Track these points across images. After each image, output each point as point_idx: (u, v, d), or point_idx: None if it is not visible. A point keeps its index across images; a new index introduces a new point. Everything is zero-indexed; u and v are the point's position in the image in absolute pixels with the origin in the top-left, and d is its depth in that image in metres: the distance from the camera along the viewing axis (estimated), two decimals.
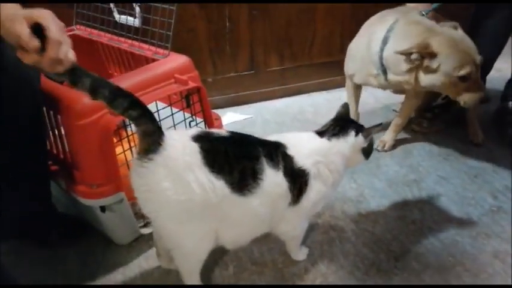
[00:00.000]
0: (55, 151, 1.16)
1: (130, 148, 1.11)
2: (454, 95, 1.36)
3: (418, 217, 1.32)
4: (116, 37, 1.39)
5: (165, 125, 1.17)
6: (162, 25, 1.24)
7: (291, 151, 0.97)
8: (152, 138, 0.84)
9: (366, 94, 2.09)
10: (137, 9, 1.37)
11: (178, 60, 1.23)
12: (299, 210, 1.00)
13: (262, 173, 0.90)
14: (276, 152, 0.95)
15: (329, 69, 2.09)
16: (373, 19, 1.52)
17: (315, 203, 1.03)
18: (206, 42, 1.84)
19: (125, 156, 1.10)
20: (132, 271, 1.16)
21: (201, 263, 1.00)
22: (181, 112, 1.23)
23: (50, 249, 1.19)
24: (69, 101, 1.03)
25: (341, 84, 2.14)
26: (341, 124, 1.07)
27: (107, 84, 0.84)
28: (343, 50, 2.05)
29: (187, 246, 0.95)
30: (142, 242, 1.25)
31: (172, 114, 1.20)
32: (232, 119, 1.88)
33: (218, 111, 1.47)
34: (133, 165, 0.87)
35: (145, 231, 1.19)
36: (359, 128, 1.07)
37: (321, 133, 1.05)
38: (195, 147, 0.86)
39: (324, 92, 2.12)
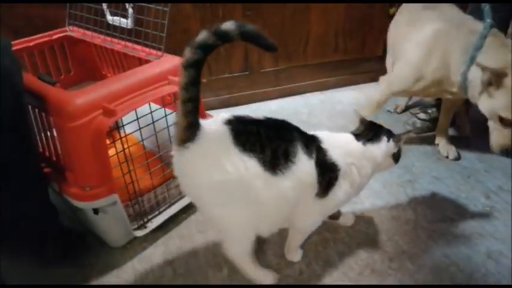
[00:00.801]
0: (47, 153, 1.15)
1: (124, 150, 1.10)
2: (491, 128, 1.31)
3: (412, 217, 1.32)
4: (109, 38, 1.38)
5: (158, 126, 1.17)
6: (156, 26, 1.23)
7: (325, 145, 1.00)
8: (192, 130, 0.88)
9: (361, 95, 2.10)
10: (130, 10, 1.36)
11: (171, 62, 1.22)
12: (323, 204, 1.03)
13: (295, 156, 0.93)
14: (311, 142, 0.98)
15: (323, 70, 2.10)
16: (435, 36, 1.39)
17: (339, 201, 1.05)
18: None
19: (118, 158, 1.09)
20: (126, 273, 1.16)
21: (249, 247, 1.02)
22: (175, 113, 1.22)
23: (48, 265, 1.15)
24: (61, 102, 1.02)
25: (335, 85, 2.16)
26: (374, 130, 1.10)
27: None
28: (337, 51, 2.07)
29: (233, 230, 0.98)
30: (136, 244, 1.24)
31: (166, 115, 1.19)
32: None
33: (212, 113, 1.46)
34: (174, 156, 0.91)
35: (139, 233, 1.19)
36: (390, 134, 1.10)
37: (357, 136, 1.08)
38: (225, 129, 0.90)
39: (318, 93, 2.12)
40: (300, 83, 2.08)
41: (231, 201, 0.92)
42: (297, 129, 0.99)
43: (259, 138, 0.90)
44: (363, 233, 1.26)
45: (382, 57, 2.09)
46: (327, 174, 0.99)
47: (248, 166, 0.89)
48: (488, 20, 1.30)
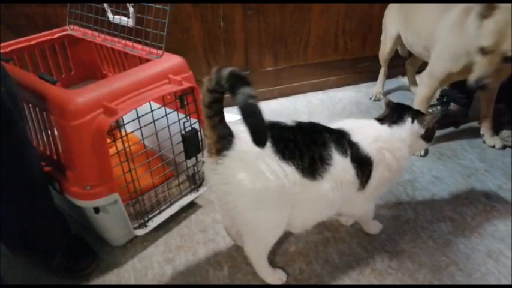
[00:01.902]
0: (48, 152, 1.15)
1: (124, 149, 1.10)
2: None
3: (412, 217, 1.32)
4: (109, 37, 1.38)
5: (158, 125, 1.17)
6: (156, 25, 1.23)
7: (355, 138, 1.01)
8: (226, 140, 0.89)
9: (361, 94, 2.10)
10: (131, 9, 1.36)
11: (172, 61, 1.22)
12: (365, 194, 1.05)
13: (331, 158, 0.95)
14: (342, 139, 0.99)
15: (323, 69, 2.09)
16: (462, 14, 1.44)
17: (379, 187, 1.07)
18: (201, 42, 1.84)
19: (119, 157, 1.09)
20: (127, 272, 1.16)
21: (270, 248, 1.05)
22: (176, 112, 1.23)
23: (55, 273, 1.14)
24: (62, 101, 1.02)
25: (335, 85, 2.16)
26: (399, 111, 1.11)
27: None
28: (337, 50, 2.07)
29: (262, 233, 1.00)
30: (137, 243, 1.24)
31: (166, 114, 1.19)
32: (226, 120, 1.87)
33: None
34: (207, 164, 0.93)
35: (140, 232, 1.19)
36: (415, 115, 1.10)
37: (380, 120, 1.09)
38: None
39: (319, 92, 2.12)
40: (300, 82, 2.08)
41: (268, 206, 0.94)
42: (326, 129, 1.01)
43: (296, 145, 0.92)
44: (363, 232, 1.26)
45: None
46: (364, 167, 1.01)
47: (287, 173, 0.91)
48: None
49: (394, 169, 1.06)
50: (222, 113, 0.89)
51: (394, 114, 1.10)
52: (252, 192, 0.90)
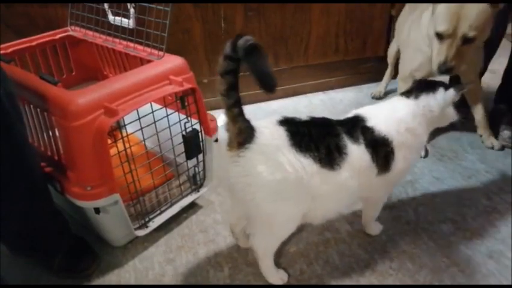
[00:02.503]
0: (49, 153, 1.15)
1: (125, 150, 1.10)
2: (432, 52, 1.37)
3: (412, 218, 1.32)
4: (110, 38, 1.38)
5: (159, 126, 1.18)
6: (157, 26, 1.23)
7: (370, 123, 1.03)
8: (246, 133, 0.92)
9: (362, 95, 2.11)
10: (131, 10, 1.37)
11: (173, 62, 1.22)
12: (388, 178, 1.06)
13: (346, 147, 0.97)
14: (354, 128, 1.01)
15: (324, 70, 2.10)
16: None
17: (404, 169, 1.08)
18: (202, 43, 1.84)
19: (120, 157, 1.10)
20: (127, 272, 1.16)
21: (279, 244, 1.07)
22: (177, 113, 1.23)
23: (56, 274, 1.14)
24: (63, 102, 1.03)
25: (336, 86, 2.16)
26: (429, 84, 1.12)
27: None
28: (338, 51, 2.07)
29: (276, 225, 1.01)
30: (138, 243, 1.24)
31: (167, 115, 1.19)
32: (221, 121, 1.87)
33: (213, 113, 1.47)
34: (228, 157, 0.95)
35: (140, 233, 1.19)
36: (448, 86, 1.10)
37: (406, 94, 1.10)
38: (281, 130, 0.94)
39: (319, 93, 2.12)
40: (301, 83, 2.08)
41: (286, 198, 0.96)
42: (338, 123, 1.03)
43: (311, 138, 0.95)
44: (364, 233, 1.26)
45: (383, 58, 2.10)
46: (381, 150, 1.02)
47: (305, 165, 0.93)
48: None
49: (415, 149, 1.09)
50: (240, 104, 0.91)
51: (424, 86, 1.11)
52: (271, 183, 0.92)
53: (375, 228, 1.25)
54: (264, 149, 0.92)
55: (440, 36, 1.31)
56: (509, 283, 1.11)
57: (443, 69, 1.32)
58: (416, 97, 1.08)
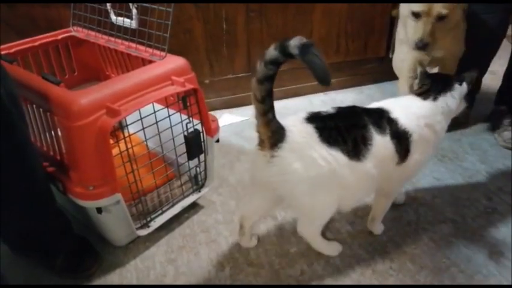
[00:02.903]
0: (52, 153, 1.15)
1: (127, 150, 1.11)
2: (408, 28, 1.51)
3: (413, 218, 1.32)
4: (113, 39, 1.39)
5: (161, 126, 1.18)
6: (159, 27, 1.24)
7: (394, 115, 1.07)
8: (278, 134, 0.96)
9: (363, 96, 2.11)
10: (134, 11, 1.37)
11: (175, 62, 1.23)
12: (404, 170, 1.10)
13: (372, 138, 1.02)
14: (381, 118, 1.05)
15: None
16: None
17: (420, 162, 1.12)
18: (203, 44, 1.84)
19: (122, 157, 1.10)
20: (129, 272, 1.17)
21: (323, 226, 1.13)
22: (178, 114, 1.23)
23: (58, 274, 1.14)
24: (66, 102, 1.03)
25: (337, 87, 2.16)
26: (442, 81, 1.16)
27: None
28: (339, 52, 2.07)
29: (317, 214, 1.08)
30: (139, 243, 1.25)
31: (169, 115, 1.20)
32: (229, 121, 1.89)
33: (215, 113, 1.48)
34: (259, 156, 0.99)
35: (142, 232, 1.19)
36: (459, 78, 1.16)
37: (423, 95, 1.13)
38: (310, 127, 0.99)
39: (320, 94, 2.12)
40: (302, 84, 2.08)
41: (322, 190, 1.01)
42: (365, 111, 1.07)
43: (339, 131, 1.00)
44: (365, 233, 1.27)
45: (385, 59, 2.10)
46: (403, 142, 1.06)
47: (336, 158, 0.98)
48: None
49: (432, 144, 1.13)
50: (273, 108, 0.95)
51: (438, 84, 1.14)
52: (307, 179, 0.97)
53: (378, 228, 1.27)
54: (296, 147, 0.96)
55: (416, 15, 1.44)
56: (510, 283, 1.11)
57: (420, 45, 1.45)
58: (435, 99, 1.12)
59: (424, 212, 1.35)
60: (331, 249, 1.19)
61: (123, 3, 1.37)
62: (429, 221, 1.31)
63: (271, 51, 0.90)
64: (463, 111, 1.22)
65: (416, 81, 1.18)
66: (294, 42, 0.88)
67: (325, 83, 0.88)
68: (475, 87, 1.69)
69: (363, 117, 1.04)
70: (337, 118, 1.03)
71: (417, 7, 1.42)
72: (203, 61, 1.87)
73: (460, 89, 1.15)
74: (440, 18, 1.43)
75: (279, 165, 0.97)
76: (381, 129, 1.03)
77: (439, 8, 1.40)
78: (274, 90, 2.10)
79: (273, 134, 0.96)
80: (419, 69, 1.18)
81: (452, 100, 1.14)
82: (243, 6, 1.81)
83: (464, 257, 1.18)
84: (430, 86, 1.14)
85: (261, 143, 0.99)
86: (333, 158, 0.98)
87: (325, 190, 1.02)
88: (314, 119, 1.02)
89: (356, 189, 1.06)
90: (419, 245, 1.22)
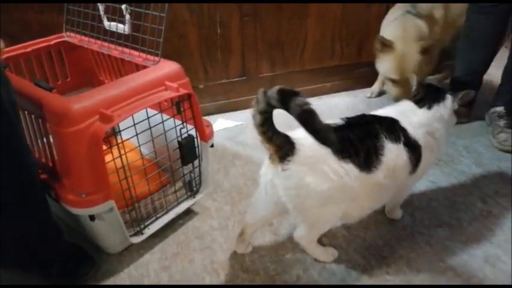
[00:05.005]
0: (44, 159, 1.14)
1: (120, 156, 1.10)
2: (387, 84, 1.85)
3: (409, 222, 1.32)
4: (106, 44, 1.38)
5: (155, 132, 1.17)
6: (153, 32, 1.23)
7: (403, 124, 1.08)
8: (286, 147, 0.95)
9: (357, 100, 2.11)
10: (127, 16, 1.37)
11: (168, 67, 1.22)
12: (414, 178, 1.13)
13: (383, 149, 1.01)
14: (394, 126, 1.06)
15: (320, 75, 2.10)
16: None
17: (425, 170, 1.16)
18: (197, 48, 1.84)
19: (115, 164, 1.09)
20: (123, 280, 1.15)
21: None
22: (172, 119, 1.23)
23: (54, 282, 1.12)
24: (58, 108, 1.02)
25: (332, 90, 2.16)
26: (436, 92, 1.17)
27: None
28: (334, 56, 2.08)
29: (321, 225, 1.08)
30: (133, 250, 1.23)
31: (163, 121, 1.19)
32: (223, 126, 1.88)
33: (209, 118, 1.47)
34: (270, 171, 0.99)
35: (136, 240, 1.18)
36: (450, 93, 1.18)
37: (419, 102, 1.15)
38: None
39: (315, 98, 2.12)
40: (296, 88, 2.06)
41: (332, 203, 1.01)
42: (376, 119, 1.07)
43: (351, 142, 0.99)
44: (361, 238, 1.26)
45: None
46: (414, 151, 1.07)
47: (347, 171, 0.97)
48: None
49: (436, 150, 1.15)
50: (273, 125, 0.95)
51: (432, 94, 1.16)
52: (319, 193, 0.97)
53: (398, 213, 1.32)
54: (307, 161, 0.95)
55: (391, 80, 1.75)
56: (510, 284, 1.11)
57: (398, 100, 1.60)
58: (430, 108, 1.13)
59: (419, 215, 1.35)
60: (327, 255, 1.18)
61: (116, 3, 1.35)
62: (425, 225, 1.31)
63: (261, 105, 0.91)
64: (463, 114, 1.24)
65: (413, 88, 1.20)
66: (272, 95, 0.88)
67: (331, 147, 0.90)
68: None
69: (375, 126, 1.03)
70: (348, 129, 1.02)
71: (392, 75, 1.77)
72: (197, 66, 1.87)
73: (451, 103, 1.16)
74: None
75: (290, 179, 0.97)
76: (394, 138, 1.03)
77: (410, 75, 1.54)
78: None
79: (279, 148, 0.95)
80: (415, 78, 1.20)
81: (445, 110, 1.14)
82: (237, 10, 1.81)
83: (460, 261, 1.18)
84: (424, 95, 1.15)
85: (271, 156, 0.98)
86: (345, 171, 0.97)
87: (334, 203, 1.01)
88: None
89: (367, 200, 1.06)
90: (415, 249, 1.22)
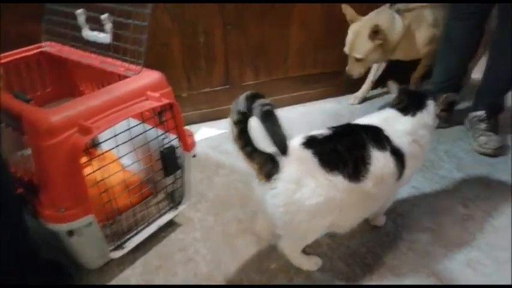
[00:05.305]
0: (20, 173, 1.11)
1: (100, 168, 1.08)
2: None
3: (392, 229, 1.33)
4: (87, 54, 1.37)
5: (137, 142, 1.16)
6: (135, 41, 1.22)
7: (387, 132, 1.08)
8: (269, 165, 0.95)
9: (340, 107, 2.12)
10: (108, 25, 1.36)
11: (150, 77, 1.21)
12: (399, 184, 1.14)
13: (370, 157, 1.01)
14: (379, 135, 1.06)
15: (303, 82, 2.11)
16: None
17: (412, 175, 1.18)
18: (180, 57, 1.83)
19: (95, 176, 1.07)
20: None
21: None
22: (154, 129, 1.22)
23: None
24: (36, 120, 1.00)
25: (315, 98, 2.17)
26: (418, 97, 1.18)
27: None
28: (317, 64, 2.09)
29: (307, 236, 1.08)
30: (114, 265, 1.21)
31: (144, 131, 1.18)
32: (206, 135, 1.87)
33: (193, 127, 1.47)
34: (260, 190, 0.98)
35: (116, 255, 1.16)
36: (432, 97, 1.19)
37: (402, 110, 1.15)
38: (308, 153, 0.97)
39: (298, 105, 2.13)
40: (280, 95, 2.08)
41: (320, 217, 1.00)
42: (362, 128, 1.07)
43: (338, 154, 0.98)
44: (345, 246, 1.26)
45: None
46: (399, 158, 1.07)
47: (336, 183, 0.97)
48: None
49: (421, 156, 1.16)
50: (251, 140, 0.94)
51: (415, 101, 1.17)
52: (308, 209, 0.96)
53: (381, 220, 1.32)
54: (294, 177, 0.94)
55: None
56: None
57: (348, 76, 1.91)
58: (414, 115, 1.14)
59: (402, 222, 1.36)
60: (311, 263, 1.18)
61: (95, 2, 1.33)
62: (408, 231, 1.32)
63: (240, 106, 0.92)
64: (443, 117, 1.27)
65: (394, 95, 1.21)
66: (241, 101, 0.91)
67: (282, 152, 0.93)
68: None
69: (361, 136, 1.04)
70: (335, 139, 1.02)
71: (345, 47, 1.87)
72: (181, 74, 1.86)
73: (434, 108, 1.18)
74: (358, 60, 1.83)
75: (278, 197, 0.96)
76: (381, 147, 1.03)
77: (354, 53, 1.83)
78: None
79: (262, 166, 0.95)
80: (395, 86, 1.22)
81: (429, 116, 1.16)
82: (220, 19, 1.81)
83: (442, 266, 1.19)
84: (408, 102, 1.16)
85: (257, 174, 0.97)
86: (333, 184, 0.97)
87: (323, 216, 1.01)
88: (311, 143, 1.00)
89: (356, 209, 1.06)
90: (398, 256, 1.23)
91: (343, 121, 1.92)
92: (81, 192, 1.02)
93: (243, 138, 0.94)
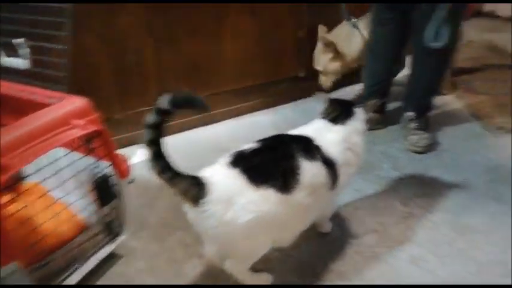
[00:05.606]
0: None
1: (27, 205, 0.99)
2: None
3: (338, 234, 1.35)
4: (5, 82, 1.26)
5: (68, 173, 1.08)
6: (57, 66, 1.15)
7: (318, 142, 1.08)
8: (194, 189, 0.93)
9: (278, 117, 2.13)
10: (26, 49, 1.27)
11: (74, 103, 1.13)
12: (334, 193, 1.15)
13: (300, 167, 1.00)
14: (309, 145, 1.06)
15: (240, 95, 2.10)
16: None
17: (347, 182, 1.19)
18: (110, 78, 1.76)
19: (22, 214, 0.98)
20: None
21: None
22: (86, 158, 1.14)
23: None
24: None
25: (253, 109, 2.16)
26: (346, 106, 1.21)
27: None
28: (253, 75, 2.10)
29: (251, 255, 1.06)
30: None
31: (74, 161, 1.10)
32: (144, 156, 1.79)
33: (131, 148, 1.40)
34: (191, 214, 0.97)
35: None
36: (359, 105, 1.23)
37: (332, 120, 1.17)
38: (234, 172, 0.95)
39: (237, 118, 2.11)
40: (218, 109, 2.04)
41: (256, 233, 0.98)
42: (291, 139, 1.07)
43: (266, 167, 0.98)
44: (294, 257, 1.26)
45: (296, 78, 2.17)
46: (331, 168, 1.08)
47: (268, 197, 0.96)
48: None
49: (355, 163, 1.19)
50: (169, 165, 0.91)
51: (343, 110, 1.19)
52: (240, 227, 0.94)
53: (328, 227, 1.34)
54: (223, 198, 0.93)
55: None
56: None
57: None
58: (344, 123, 1.17)
59: (347, 225, 1.38)
60: (261, 280, 1.16)
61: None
62: (353, 235, 1.34)
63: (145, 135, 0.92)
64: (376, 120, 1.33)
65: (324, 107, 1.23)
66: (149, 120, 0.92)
67: (205, 110, 0.95)
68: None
69: (290, 146, 1.03)
70: (262, 153, 1.01)
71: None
72: (112, 96, 1.78)
73: (363, 115, 1.23)
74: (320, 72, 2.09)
75: (210, 219, 0.94)
76: (311, 157, 1.03)
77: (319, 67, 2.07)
78: (189, 119, 2.08)
79: (185, 192, 0.93)
80: (324, 97, 1.25)
81: (359, 122, 1.20)
82: (150, 37, 1.76)
83: (388, 267, 1.22)
84: (337, 112, 1.19)
85: (184, 200, 0.96)
86: (264, 198, 0.95)
87: (260, 232, 0.99)
88: (238, 161, 0.98)
89: (293, 221, 1.06)
90: (346, 261, 1.24)
91: (282, 131, 1.96)
92: (1, 238, 0.92)
93: (159, 163, 0.91)
